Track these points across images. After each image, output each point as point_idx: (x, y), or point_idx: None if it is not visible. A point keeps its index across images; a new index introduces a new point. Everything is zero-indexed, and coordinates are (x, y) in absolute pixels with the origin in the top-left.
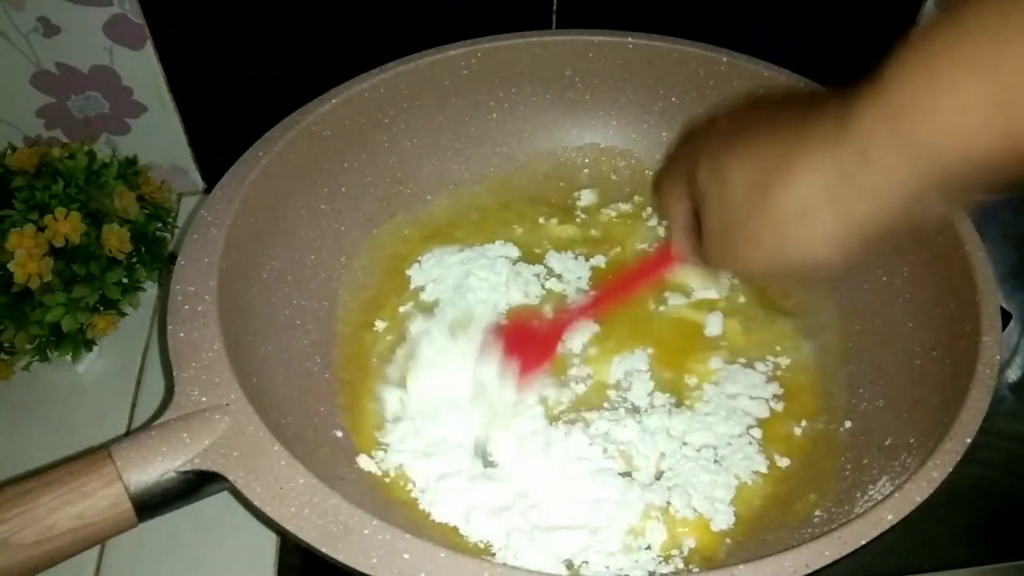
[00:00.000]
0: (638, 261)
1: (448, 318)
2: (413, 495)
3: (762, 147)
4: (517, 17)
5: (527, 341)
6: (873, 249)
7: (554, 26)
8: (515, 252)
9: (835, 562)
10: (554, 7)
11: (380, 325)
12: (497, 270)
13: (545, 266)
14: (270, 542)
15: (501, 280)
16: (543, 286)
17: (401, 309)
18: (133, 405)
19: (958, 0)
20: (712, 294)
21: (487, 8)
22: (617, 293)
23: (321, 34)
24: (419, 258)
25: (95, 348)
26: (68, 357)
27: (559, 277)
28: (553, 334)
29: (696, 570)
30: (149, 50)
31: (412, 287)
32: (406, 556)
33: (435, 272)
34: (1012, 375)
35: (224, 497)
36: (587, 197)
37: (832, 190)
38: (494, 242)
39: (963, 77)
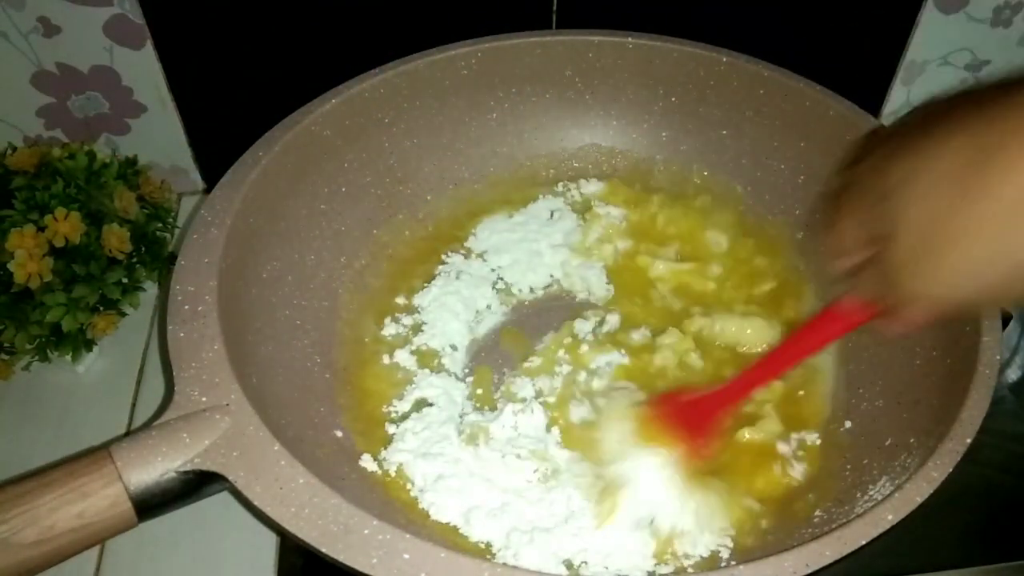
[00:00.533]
0: (812, 321)
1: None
2: (412, 494)
3: (962, 131)
4: (517, 17)
5: (685, 418)
6: None
7: (554, 26)
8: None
9: (835, 562)
10: (554, 7)
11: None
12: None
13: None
14: (270, 542)
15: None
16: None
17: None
18: (133, 405)
19: None
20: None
21: (487, 8)
22: (790, 358)
23: (321, 34)
24: (473, 230)
25: (95, 348)
26: (68, 357)
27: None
28: (715, 409)
29: (696, 570)
30: (149, 50)
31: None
32: (406, 556)
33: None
34: (1012, 375)
35: (224, 497)
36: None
37: None
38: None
39: None
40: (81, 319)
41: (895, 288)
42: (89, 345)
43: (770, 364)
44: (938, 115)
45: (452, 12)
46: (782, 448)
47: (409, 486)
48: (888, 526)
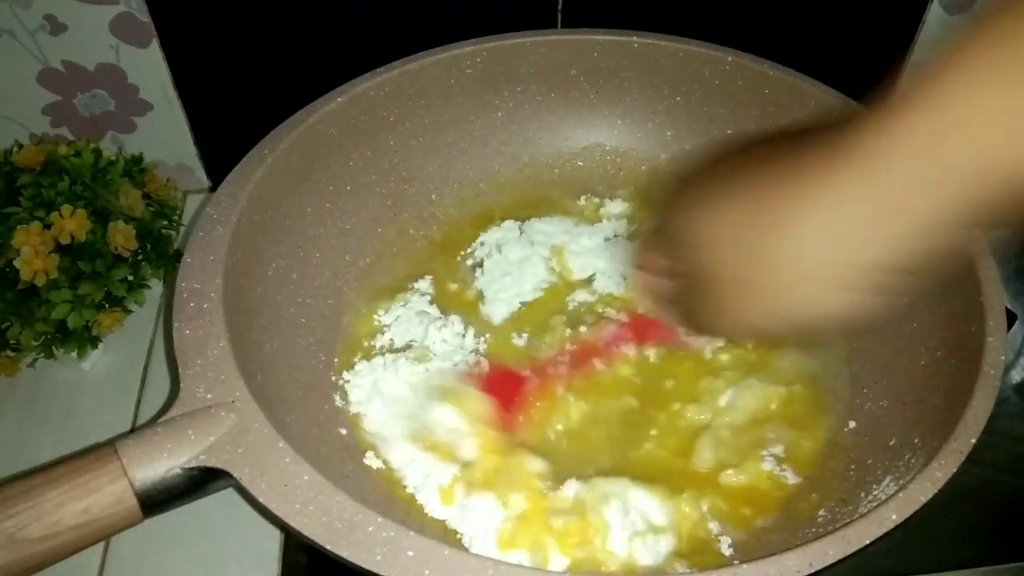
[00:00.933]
0: (626, 323)
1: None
2: (409, 491)
3: (751, 188)
4: (521, 16)
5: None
6: (894, 300)
7: (559, 25)
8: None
9: (839, 561)
10: (559, 6)
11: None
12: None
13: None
14: (274, 539)
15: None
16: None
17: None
18: (138, 402)
19: (995, 10)
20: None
21: (491, 7)
22: (605, 352)
23: (326, 33)
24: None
25: (100, 345)
26: (74, 354)
27: None
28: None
29: (698, 570)
30: (155, 48)
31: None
32: (410, 553)
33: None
34: (1016, 376)
35: (229, 494)
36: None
37: (843, 226)
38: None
39: (1005, 88)
40: (87, 316)
41: (695, 324)
42: (94, 342)
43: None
44: (736, 165)
45: (457, 11)
46: (766, 466)
47: (405, 482)
48: (892, 526)
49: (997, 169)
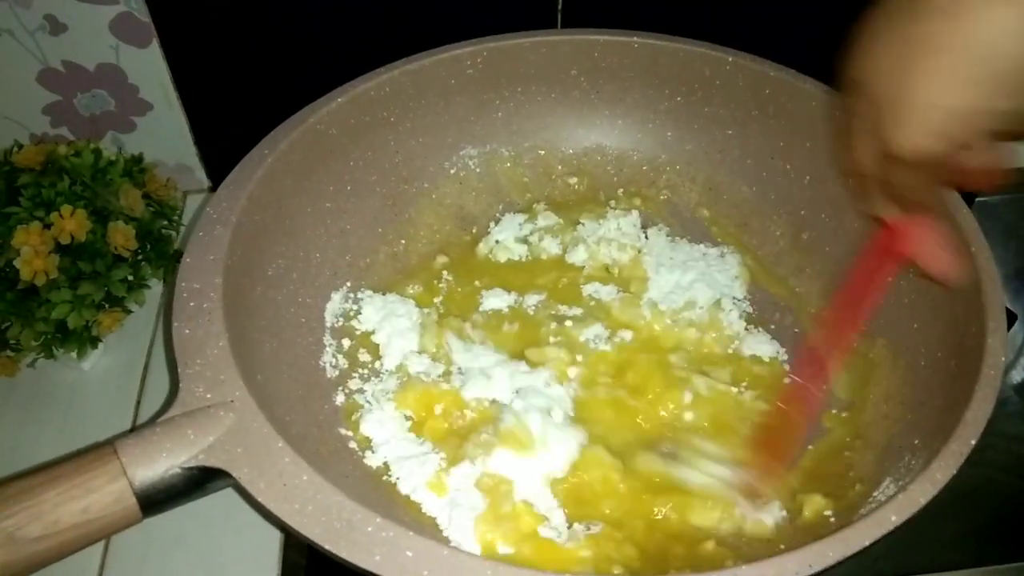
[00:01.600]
0: (858, 264)
1: None
2: (405, 491)
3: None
4: (521, 16)
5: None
6: None
7: (559, 25)
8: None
9: (838, 563)
10: (559, 7)
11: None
12: None
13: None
14: (274, 539)
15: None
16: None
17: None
18: (138, 402)
19: None
20: None
21: (491, 7)
22: (855, 317)
23: (327, 33)
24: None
25: (100, 345)
26: (73, 354)
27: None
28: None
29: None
30: (155, 48)
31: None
32: (409, 554)
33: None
34: (1016, 376)
35: (228, 494)
36: None
37: None
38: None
39: None
40: (86, 316)
41: (890, 146)
42: (94, 342)
43: (838, 329)
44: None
45: (457, 11)
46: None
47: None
48: (892, 527)
49: None
